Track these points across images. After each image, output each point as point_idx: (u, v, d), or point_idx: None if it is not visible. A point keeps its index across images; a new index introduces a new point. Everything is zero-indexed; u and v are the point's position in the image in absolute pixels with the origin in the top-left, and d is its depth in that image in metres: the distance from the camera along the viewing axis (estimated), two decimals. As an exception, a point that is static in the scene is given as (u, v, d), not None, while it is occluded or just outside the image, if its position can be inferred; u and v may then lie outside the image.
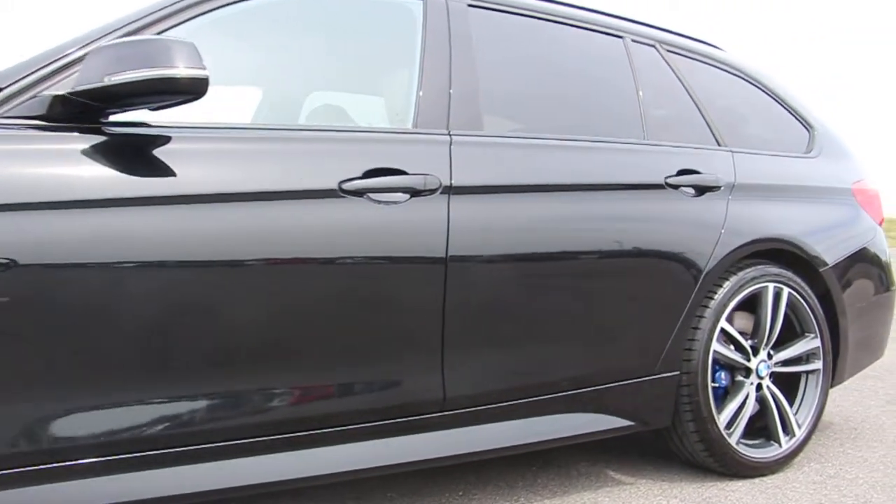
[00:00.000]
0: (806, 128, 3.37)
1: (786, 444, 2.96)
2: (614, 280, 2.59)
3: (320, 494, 2.66)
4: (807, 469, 3.01)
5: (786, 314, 3.02)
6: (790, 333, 3.07)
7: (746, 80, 3.31)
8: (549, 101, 2.77)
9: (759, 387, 2.94)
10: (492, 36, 2.63)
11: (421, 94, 2.40)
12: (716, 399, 2.90)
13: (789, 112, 3.35)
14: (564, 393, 2.51)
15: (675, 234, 2.70)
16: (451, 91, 2.43)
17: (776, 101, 3.34)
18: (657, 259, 2.66)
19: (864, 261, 3.25)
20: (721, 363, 2.88)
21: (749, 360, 2.90)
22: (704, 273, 2.73)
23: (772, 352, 2.98)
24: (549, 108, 2.76)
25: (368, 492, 2.70)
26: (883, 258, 3.36)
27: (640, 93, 2.86)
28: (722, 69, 3.22)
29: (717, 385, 2.89)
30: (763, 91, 3.33)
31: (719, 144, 2.98)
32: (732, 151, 2.99)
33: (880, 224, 3.43)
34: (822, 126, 3.41)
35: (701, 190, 2.82)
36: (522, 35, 2.74)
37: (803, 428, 3.01)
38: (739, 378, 2.92)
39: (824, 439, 3.41)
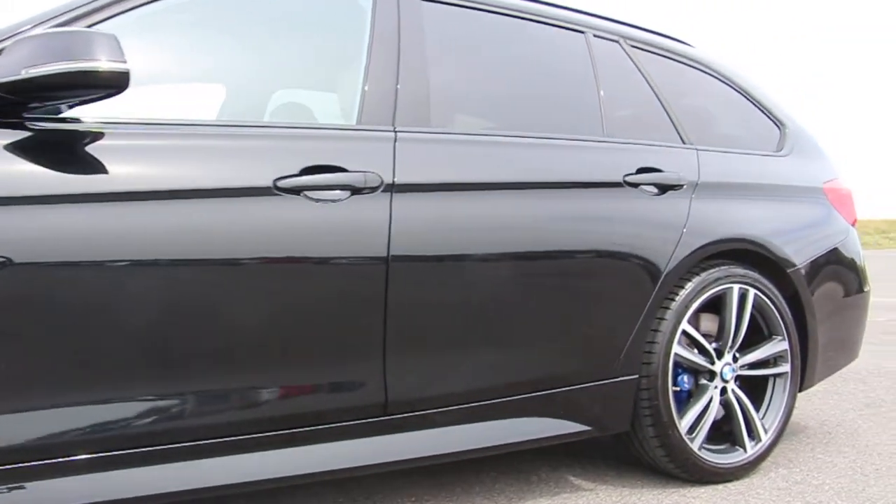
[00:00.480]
0: (777, 126, 3.28)
1: (751, 449, 2.87)
2: (569, 281, 2.51)
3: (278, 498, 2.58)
4: (773, 475, 2.92)
5: (752, 316, 2.94)
6: (757, 336, 2.98)
7: (716, 78, 3.22)
8: (505, 98, 2.69)
9: (723, 390, 2.85)
10: (446, 30, 2.55)
11: (367, 89, 2.32)
12: (678, 403, 2.82)
13: (760, 110, 3.27)
14: (516, 397, 2.43)
15: (634, 234, 2.61)
16: (399, 87, 2.35)
17: (746, 98, 3.26)
18: (614, 259, 2.58)
19: (835, 261, 3.16)
20: (683, 366, 2.80)
21: (713, 363, 2.82)
22: (664, 274, 2.64)
23: (737, 354, 2.90)
24: (504, 105, 2.68)
25: (320, 493, 2.62)
26: (855, 259, 3.27)
27: (601, 89, 2.78)
28: (690, 66, 3.14)
29: (679, 389, 2.80)
30: (733, 88, 3.24)
31: (684, 142, 2.90)
32: (697, 149, 2.90)
33: (853, 224, 3.34)
34: (793, 124, 3.32)
35: (663, 188, 2.73)
36: (478, 30, 2.66)
37: (770, 433, 2.92)
38: (703, 381, 2.84)
39: (796, 443, 3.32)
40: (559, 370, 2.51)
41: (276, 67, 2.53)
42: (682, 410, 2.77)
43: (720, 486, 2.79)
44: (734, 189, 2.94)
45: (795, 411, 3.81)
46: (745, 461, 2.85)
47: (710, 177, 2.87)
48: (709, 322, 2.93)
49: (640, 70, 2.91)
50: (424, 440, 2.29)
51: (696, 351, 2.80)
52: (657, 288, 2.63)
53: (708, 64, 3.20)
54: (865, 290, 3.30)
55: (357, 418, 2.21)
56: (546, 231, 2.46)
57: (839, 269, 3.19)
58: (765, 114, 3.26)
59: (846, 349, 3.28)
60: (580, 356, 2.54)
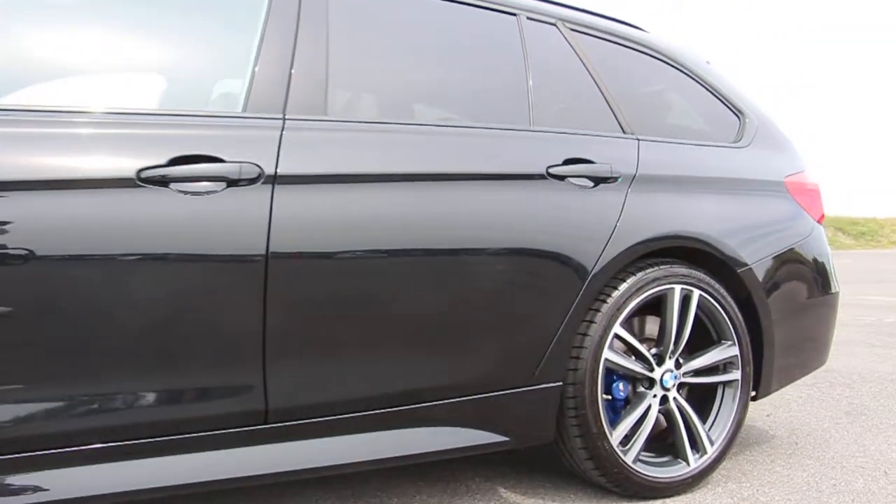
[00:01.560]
0: (736, 115, 3.03)
1: (695, 462, 2.64)
2: (478, 281, 2.29)
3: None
4: (720, 489, 2.68)
5: (699, 320, 2.70)
6: (707, 340, 2.74)
7: (669, 64, 2.97)
8: (417, 85, 2.48)
9: (664, 399, 2.61)
10: (356, 9, 2.34)
11: (257, 73, 2.12)
12: (614, 412, 2.60)
13: (717, 98, 3.01)
14: (419, 405, 2.22)
15: (556, 230, 2.39)
16: (294, 71, 2.15)
17: (702, 86, 3.00)
18: (532, 258, 2.35)
19: (795, 260, 2.91)
20: (619, 373, 2.57)
21: (651, 369, 2.58)
22: (591, 273, 2.41)
23: (681, 360, 2.66)
24: (415, 93, 2.47)
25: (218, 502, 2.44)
26: (820, 258, 3.01)
27: (531, 75, 2.55)
28: (639, 51, 2.90)
29: (611, 398, 2.58)
30: (688, 75, 2.99)
31: (624, 132, 2.66)
32: (639, 140, 2.67)
33: (819, 221, 3.08)
34: (755, 114, 3.06)
35: (595, 181, 2.50)
36: (394, 10, 2.45)
37: (716, 445, 2.68)
38: (641, 389, 2.61)
39: (757, 454, 3.07)
40: (469, 377, 2.29)
41: (160, 50, 2.31)
42: (616, 420, 2.54)
43: (658, 503, 2.56)
44: (680, 182, 2.70)
45: (766, 419, 3.58)
46: (687, 475, 2.62)
47: (652, 169, 2.63)
48: (654, 326, 2.70)
49: (578, 55, 2.68)
50: (311, 450, 2.10)
51: (632, 357, 2.57)
52: (583, 289, 2.40)
53: (660, 49, 2.96)
54: (832, 291, 3.04)
55: (235, 426, 2.01)
56: (453, 227, 2.25)
57: (800, 269, 2.93)
58: (722, 102, 3.01)
59: (810, 354, 3.03)
60: (493, 362, 2.33)
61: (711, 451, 2.66)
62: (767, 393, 2.89)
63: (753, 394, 2.88)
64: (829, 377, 4.62)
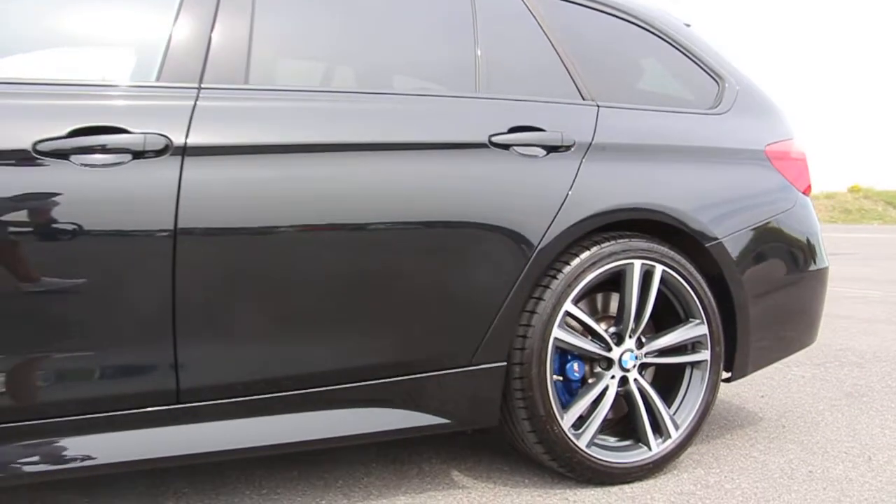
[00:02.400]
0: (714, 80, 2.82)
1: (657, 447, 2.48)
2: (409, 256, 2.15)
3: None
4: (686, 476, 2.52)
5: (666, 297, 2.53)
6: (675, 319, 2.57)
7: (642, 27, 2.77)
8: (352, 51, 2.34)
9: (623, 380, 2.46)
10: None
11: (173, 40, 2.01)
12: (571, 394, 2.45)
13: (694, 62, 2.81)
14: (348, 385, 2.10)
15: (497, 202, 2.23)
16: (213, 39, 2.04)
17: (677, 49, 2.80)
18: (470, 231, 2.21)
19: (774, 234, 2.71)
20: (574, 353, 2.42)
21: (609, 349, 2.42)
22: (537, 248, 2.26)
23: (644, 340, 2.49)
24: (350, 59, 2.34)
25: (152, 487, 2.36)
26: (804, 231, 2.80)
27: (479, 39, 2.39)
28: (605, 13, 2.70)
29: (564, 378, 2.43)
30: (661, 38, 2.79)
31: (584, 98, 2.49)
32: (599, 106, 2.49)
33: (805, 192, 2.87)
34: (736, 80, 2.85)
35: (547, 150, 2.34)
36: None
37: (682, 429, 2.52)
38: (598, 370, 2.45)
39: (737, 438, 2.90)
40: (403, 356, 2.17)
41: (71, 18, 2.18)
42: (570, 403, 2.40)
43: (614, 489, 2.41)
44: (643, 151, 2.52)
45: (759, 401, 3.39)
46: (648, 461, 2.46)
47: (611, 137, 2.46)
48: (616, 303, 2.54)
49: (535, 17, 2.51)
50: (230, 432, 2.00)
51: (588, 336, 2.42)
52: (528, 264, 2.25)
53: (632, 12, 2.76)
54: (817, 266, 2.83)
55: (146, 406, 1.92)
56: (383, 199, 2.12)
57: (780, 243, 2.73)
58: (700, 67, 2.81)
59: (792, 333, 2.83)
60: (429, 341, 2.19)
61: (676, 435, 2.50)
62: (743, 374, 2.71)
63: (728, 375, 2.70)
64: (841, 356, 4.39)
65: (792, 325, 2.79)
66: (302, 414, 2.06)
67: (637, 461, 2.44)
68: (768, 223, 2.67)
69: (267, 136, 2.01)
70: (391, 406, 2.17)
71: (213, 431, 1.98)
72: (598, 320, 2.51)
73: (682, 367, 2.58)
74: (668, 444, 2.48)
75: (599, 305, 2.57)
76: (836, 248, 15.36)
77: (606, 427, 2.56)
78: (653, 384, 2.59)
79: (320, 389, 2.07)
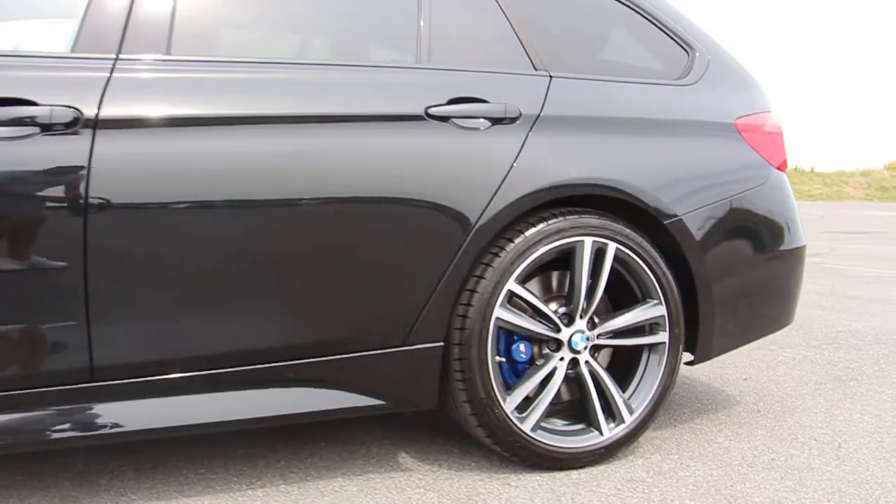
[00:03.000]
0: (684, 50, 2.68)
1: (610, 432, 2.37)
2: (336, 231, 2.06)
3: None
4: (641, 461, 2.41)
5: (623, 277, 2.41)
6: (634, 299, 2.46)
7: (605, -7, 2.63)
8: (286, 20, 2.24)
9: (574, 362, 2.35)
10: None
11: (90, 11, 1.93)
12: (518, 376, 2.35)
13: (664, 32, 2.66)
14: (275, 364, 2.03)
15: (432, 176, 2.13)
16: (134, 7, 1.95)
17: (647, 19, 2.65)
18: (403, 206, 2.11)
19: (743, 211, 2.57)
20: (521, 334, 2.32)
21: (558, 330, 2.32)
22: (476, 224, 2.15)
23: (597, 320, 2.38)
24: (282, 27, 2.23)
25: (90, 465, 2.31)
26: (776, 208, 2.65)
27: (423, 7, 2.28)
28: (566, -21, 2.57)
29: (508, 360, 2.33)
30: (630, 8, 2.64)
31: (536, 69, 2.36)
32: (551, 76, 2.36)
33: (781, 168, 2.72)
34: (707, 49, 2.70)
35: (492, 122, 2.23)
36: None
37: (636, 413, 2.41)
38: (547, 352, 2.35)
39: (705, 422, 2.78)
40: (333, 335, 2.08)
41: None
42: (514, 385, 2.30)
43: (561, 475, 2.31)
44: (598, 124, 2.39)
45: (740, 384, 3.26)
46: (599, 446, 2.36)
47: (562, 109, 2.33)
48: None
49: (487, -16, 2.39)
50: (146, 410, 1.93)
51: (535, 316, 2.31)
52: (466, 241, 2.15)
53: (596, -23, 2.62)
54: (790, 245, 2.68)
55: (59, 384, 1.86)
56: (311, 174, 2.02)
57: (749, 220, 2.59)
58: (669, 36, 2.66)
59: (764, 315, 2.69)
60: (360, 320, 2.11)
61: (630, 420, 2.39)
62: (707, 357, 2.59)
63: (692, 358, 2.58)
64: (840, 338, 4.22)
65: (762, 307, 2.66)
66: (226, 393, 1.99)
67: (587, 446, 2.34)
68: (736, 199, 2.54)
69: (187, 109, 1.93)
70: (323, 386, 2.10)
71: (131, 410, 1.91)
72: (549, 300, 2.40)
73: (639, 349, 2.46)
74: (622, 429, 2.38)
75: (555, 285, 2.46)
76: (866, 226, 14.97)
77: (562, 411, 2.46)
78: (610, 367, 2.49)
79: (245, 369, 2.00)
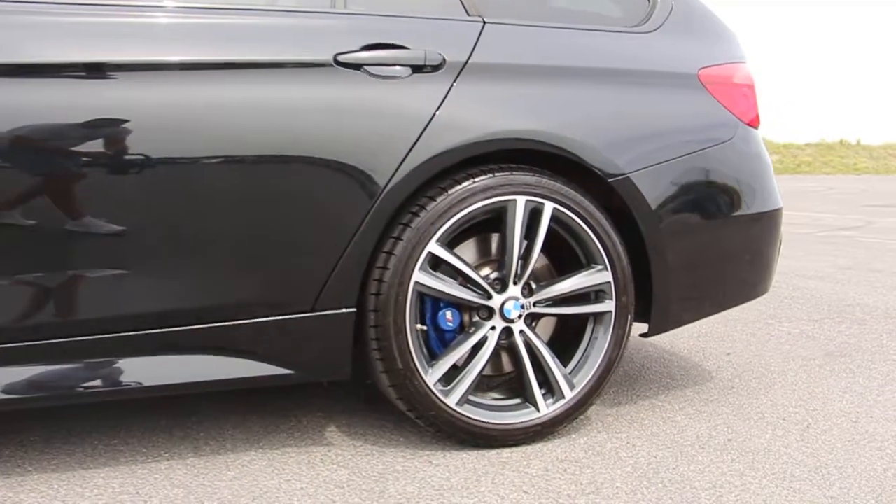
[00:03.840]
0: (645, -6, 2.43)
1: (547, 408, 2.18)
2: (238, 188, 1.88)
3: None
4: (583, 440, 2.22)
5: (563, 239, 2.20)
6: (578, 264, 2.25)
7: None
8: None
9: (508, 332, 2.15)
10: None
11: None
12: (446, 346, 2.17)
13: (621, -27, 2.42)
14: (169, 330, 1.87)
15: (341, 128, 1.94)
16: None
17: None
18: (307, 161, 1.92)
19: (702, 169, 2.33)
20: (447, 301, 2.13)
21: (489, 297, 2.12)
22: (390, 181, 1.96)
23: (535, 287, 2.18)
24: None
25: (3, 437, 2.20)
26: (746, 166, 2.42)
27: (342, -55, 2.08)
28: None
29: (423, 328, 2.15)
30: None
31: (469, 14, 2.15)
32: (485, 22, 2.15)
33: (752, 124, 2.46)
34: (673, -7, 2.45)
35: (413, 69, 2.03)
36: None
37: (578, 388, 2.21)
38: (477, 320, 2.15)
39: (669, 400, 2.57)
40: (233, 299, 1.92)
41: None
42: (439, 355, 2.11)
43: (491, 453, 2.13)
44: (538, 73, 2.17)
45: (721, 359, 3.04)
46: (535, 423, 2.16)
47: (496, 57, 2.12)
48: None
49: (416, -80, 2.17)
50: (25, 375, 1.80)
51: (466, 283, 2.12)
52: (378, 200, 1.96)
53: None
54: (761, 208, 2.44)
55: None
56: (209, 126, 1.85)
57: (709, 181, 2.35)
58: (628, -22, 2.42)
59: (730, 284, 2.46)
60: (262, 283, 1.94)
61: (571, 395, 2.19)
62: (664, 328, 2.37)
63: (645, 330, 2.36)
64: (846, 312, 3.94)
65: (727, 274, 2.43)
66: (114, 361, 1.84)
67: (521, 423, 2.15)
68: (696, 157, 2.30)
69: (66, 55, 1.77)
70: (223, 354, 1.94)
71: (9, 376, 1.78)
72: (484, 265, 2.20)
73: (585, 319, 2.26)
74: (561, 406, 2.18)
75: (494, 249, 2.26)
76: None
77: (504, 384, 2.27)
78: (556, 339, 2.29)
79: (134, 334, 1.85)
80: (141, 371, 1.88)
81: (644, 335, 2.36)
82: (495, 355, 2.20)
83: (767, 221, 2.47)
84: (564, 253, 2.25)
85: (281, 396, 2.50)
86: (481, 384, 2.22)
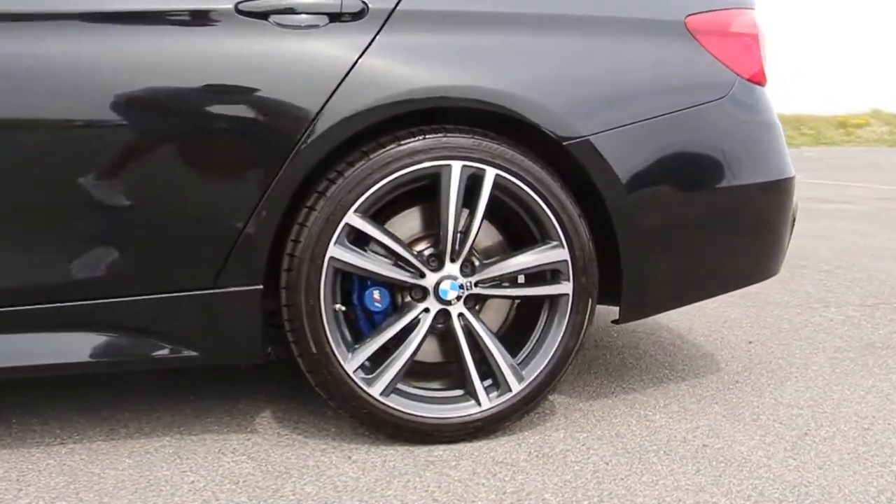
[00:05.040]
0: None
1: (490, 402, 1.92)
2: (123, 149, 1.70)
3: None
4: (533, 439, 1.95)
5: (514, 212, 1.93)
6: (533, 240, 1.97)
7: None
8: None
9: (446, 315, 1.90)
10: None
11: None
12: (372, 326, 1.94)
13: None
14: (50, 305, 1.72)
15: (243, 84, 1.72)
16: None
17: None
18: (198, 119, 1.72)
19: (685, 131, 2.00)
20: (374, 279, 1.89)
21: (422, 275, 1.87)
22: (299, 144, 1.73)
23: (478, 264, 1.92)
24: None
25: None
26: (739, 128, 2.07)
27: None
28: None
29: (342, 308, 1.92)
30: None
31: (401, -46, 1.88)
32: (420, -39, 1.88)
33: (755, 80, 2.10)
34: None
35: (330, 18, 1.78)
36: None
37: (527, 382, 1.94)
38: (409, 300, 1.91)
39: (659, 395, 2.26)
40: (118, 273, 1.74)
41: None
42: (364, 339, 1.88)
43: (421, 451, 1.89)
44: (482, 22, 1.88)
45: (743, 346, 2.70)
46: (475, 418, 1.91)
47: (430, 4, 1.85)
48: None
49: None
50: None
51: (395, 259, 1.87)
52: (285, 164, 1.73)
53: None
54: (762, 178, 2.09)
55: None
56: (94, 82, 1.67)
57: (695, 144, 2.02)
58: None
59: (721, 266, 2.12)
60: (155, 256, 1.75)
61: (519, 388, 1.92)
62: (638, 314, 2.07)
63: (617, 317, 2.06)
64: (886, 297, 3.47)
65: (720, 254, 2.09)
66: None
67: (458, 417, 1.91)
68: (677, 117, 1.97)
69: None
70: (117, 332, 1.76)
71: None
72: (420, 240, 1.95)
73: (539, 303, 1.98)
74: (506, 400, 1.92)
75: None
76: None
77: (453, 374, 2.02)
78: (513, 326, 2.02)
79: (11, 310, 1.69)
80: (21, 348, 1.72)
81: (615, 322, 2.06)
82: (443, 341, 1.95)
83: (774, 192, 2.11)
84: (523, 228, 1.96)
85: (230, 378, 2.32)
86: (430, 374, 1.98)
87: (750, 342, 2.78)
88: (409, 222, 1.96)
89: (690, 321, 3.01)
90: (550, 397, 2.17)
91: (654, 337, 2.82)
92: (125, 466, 1.78)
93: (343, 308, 1.86)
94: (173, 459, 1.81)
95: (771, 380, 2.37)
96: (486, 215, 1.88)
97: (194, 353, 1.80)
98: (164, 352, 1.79)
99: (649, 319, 2.99)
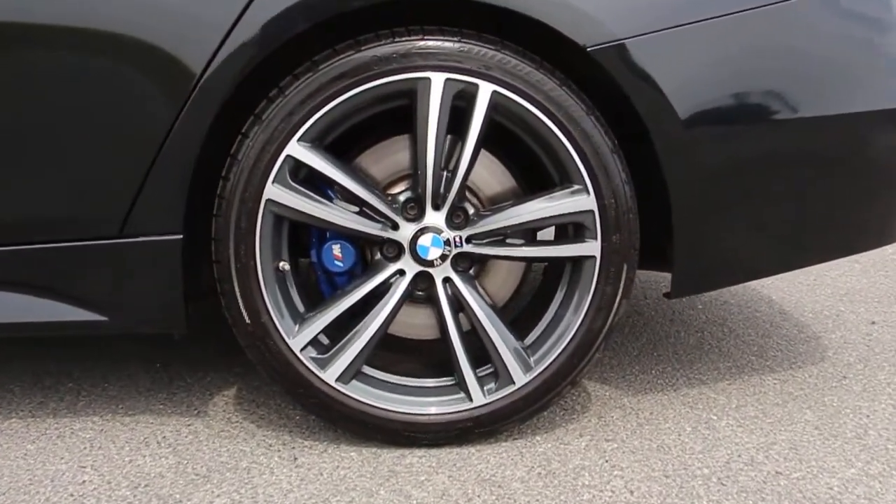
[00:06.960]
0: None
1: (484, 397, 1.46)
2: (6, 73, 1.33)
3: None
4: (506, 455, 1.48)
5: (526, 145, 1.44)
6: (550, 182, 1.48)
7: None
8: None
9: (429, 279, 1.44)
10: None
11: None
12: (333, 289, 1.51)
13: None
14: None
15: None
16: None
17: None
18: (88, 30, 1.31)
19: (765, 36, 1.43)
20: (331, 230, 1.45)
21: (395, 226, 1.42)
22: (218, 52, 1.31)
23: (472, 211, 1.44)
24: None
25: None
26: (837, 34, 1.48)
27: None
28: None
29: (286, 265, 1.48)
30: None
31: None
32: None
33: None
34: None
35: None
36: None
37: (536, 372, 1.45)
38: (379, 258, 1.46)
39: (717, 389, 1.73)
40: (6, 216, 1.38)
41: None
42: (318, 308, 1.45)
43: (385, 454, 1.46)
44: None
45: (862, 329, 2.11)
46: (462, 416, 1.47)
47: None
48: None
49: None
50: None
51: (361, 204, 1.43)
52: (203, 78, 1.31)
53: None
54: (865, 107, 1.49)
55: None
56: None
57: (781, 57, 1.45)
58: None
59: (812, 225, 1.55)
60: (40, 196, 1.38)
61: (524, 380, 1.45)
62: (700, 287, 1.55)
63: (668, 291, 1.54)
64: None
65: (816, 209, 1.51)
66: None
67: (440, 414, 1.46)
68: (755, 14, 1.40)
69: None
70: (8, 289, 1.41)
71: None
72: (399, 180, 1.49)
73: (559, 269, 1.49)
74: (507, 395, 1.45)
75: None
76: None
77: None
78: (534, 298, 1.55)
79: None
80: None
81: (667, 295, 1.53)
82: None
83: (885, 126, 1.51)
84: (543, 170, 1.47)
85: (206, 345, 1.96)
86: (411, 355, 1.55)
87: (873, 322, 2.17)
88: (386, 158, 1.49)
89: (801, 293, 2.41)
90: (584, 386, 1.69)
91: (749, 311, 2.25)
92: (22, 455, 1.43)
93: (287, 267, 1.42)
94: (82, 448, 1.46)
95: (893, 378, 1.78)
96: (493, 150, 1.40)
97: (104, 318, 1.42)
98: (70, 316, 1.42)
99: (746, 286, 2.42)
